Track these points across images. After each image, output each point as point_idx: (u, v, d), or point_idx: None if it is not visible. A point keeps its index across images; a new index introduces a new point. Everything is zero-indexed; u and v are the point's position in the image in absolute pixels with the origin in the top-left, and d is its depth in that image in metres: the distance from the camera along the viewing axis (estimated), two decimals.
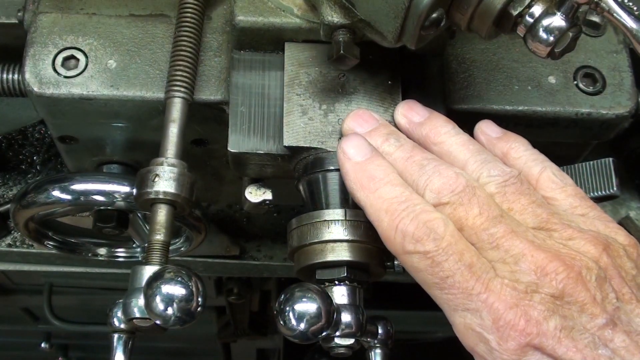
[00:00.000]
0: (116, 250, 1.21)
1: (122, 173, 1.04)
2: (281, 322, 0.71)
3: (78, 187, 0.95)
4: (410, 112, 0.81)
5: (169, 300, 0.70)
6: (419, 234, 0.68)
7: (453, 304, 0.67)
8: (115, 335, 0.77)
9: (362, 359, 0.84)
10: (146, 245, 0.78)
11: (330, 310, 0.72)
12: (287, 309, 0.71)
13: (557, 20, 0.68)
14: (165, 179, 0.78)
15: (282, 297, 0.72)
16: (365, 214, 0.74)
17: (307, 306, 0.70)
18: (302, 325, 0.70)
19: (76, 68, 0.89)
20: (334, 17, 0.78)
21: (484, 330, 0.65)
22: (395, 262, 0.82)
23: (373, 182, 0.73)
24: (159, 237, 0.77)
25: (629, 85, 0.94)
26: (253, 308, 2.08)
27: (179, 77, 0.83)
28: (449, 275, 0.66)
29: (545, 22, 0.68)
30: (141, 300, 0.72)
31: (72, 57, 0.90)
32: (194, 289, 0.70)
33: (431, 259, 0.67)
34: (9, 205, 1.05)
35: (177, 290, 0.70)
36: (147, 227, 0.99)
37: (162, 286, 0.70)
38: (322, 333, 0.72)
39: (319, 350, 2.33)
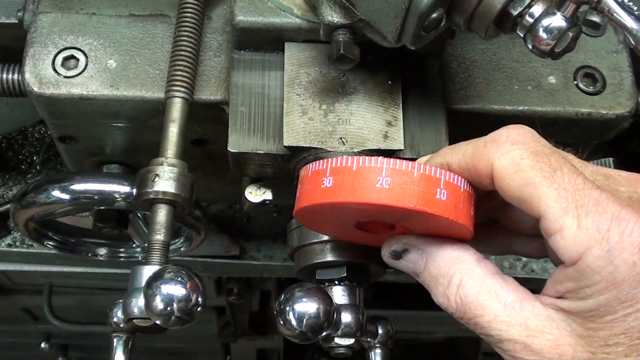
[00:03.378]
0: (116, 250, 1.21)
1: (122, 173, 1.04)
2: (281, 322, 0.71)
3: (78, 187, 0.95)
4: None
5: (169, 300, 0.70)
6: None
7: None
8: (115, 335, 0.77)
9: (362, 359, 0.84)
10: (146, 245, 0.78)
11: (330, 310, 0.72)
12: (287, 309, 0.71)
13: (557, 20, 0.68)
14: (165, 179, 0.78)
15: (282, 297, 0.72)
16: None
17: (307, 306, 0.71)
18: (302, 325, 0.70)
19: (76, 68, 0.89)
20: (334, 17, 0.78)
21: (604, 224, 0.57)
22: None
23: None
24: (159, 237, 0.77)
25: (629, 85, 0.94)
26: (253, 308, 2.08)
27: (179, 77, 0.83)
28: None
29: (545, 22, 0.68)
30: (141, 300, 0.72)
31: (72, 57, 0.90)
32: (194, 289, 0.71)
33: None
34: (9, 205, 1.05)
35: (177, 290, 0.70)
36: (147, 227, 0.99)
37: (162, 286, 0.70)
38: (322, 333, 0.72)
39: (319, 350, 2.33)
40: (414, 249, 0.68)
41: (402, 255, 0.68)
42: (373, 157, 0.65)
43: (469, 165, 0.64)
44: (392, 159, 0.64)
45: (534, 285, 0.66)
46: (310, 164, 0.69)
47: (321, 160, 0.67)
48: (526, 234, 0.72)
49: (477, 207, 0.67)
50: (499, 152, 0.62)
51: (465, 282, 0.64)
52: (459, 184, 0.64)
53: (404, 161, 0.64)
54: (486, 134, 0.71)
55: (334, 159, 0.66)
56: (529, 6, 0.68)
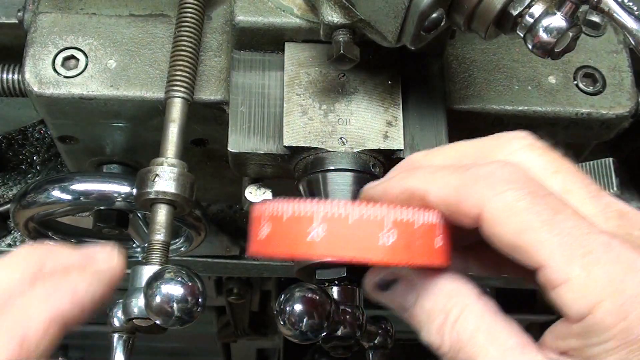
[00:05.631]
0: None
1: (122, 173, 1.04)
2: (281, 322, 0.71)
3: (78, 187, 0.95)
4: None
5: (169, 300, 0.70)
6: None
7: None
8: (115, 335, 0.77)
9: (362, 359, 0.84)
10: (146, 245, 0.78)
11: (330, 310, 0.71)
12: (287, 309, 0.70)
13: (557, 20, 0.68)
14: (165, 179, 0.78)
15: (282, 297, 0.71)
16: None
17: (307, 306, 0.70)
18: (302, 325, 0.70)
19: (76, 68, 0.89)
20: (334, 17, 0.78)
21: (617, 274, 0.50)
22: None
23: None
24: (159, 237, 0.77)
25: (629, 85, 0.94)
26: (253, 308, 2.08)
27: (179, 77, 0.83)
28: None
29: (545, 22, 0.68)
30: (141, 300, 0.72)
31: (72, 57, 0.90)
32: (194, 289, 0.70)
33: None
34: (9, 205, 1.05)
35: (177, 290, 0.70)
36: (147, 227, 0.99)
37: (162, 286, 0.70)
38: (322, 333, 0.72)
39: (319, 350, 2.33)
40: (404, 280, 0.60)
41: (389, 287, 0.60)
42: (307, 203, 0.55)
43: (450, 200, 0.55)
44: (328, 203, 0.55)
45: None
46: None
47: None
48: None
49: (451, 232, 0.58)
50: (490, 193, 0.53)
51: (463, 317, 0.56)
52: (411, 219, 0.54)
53: (340, 204, 0.54)
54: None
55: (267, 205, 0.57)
56: (529, 6, 0.68)
